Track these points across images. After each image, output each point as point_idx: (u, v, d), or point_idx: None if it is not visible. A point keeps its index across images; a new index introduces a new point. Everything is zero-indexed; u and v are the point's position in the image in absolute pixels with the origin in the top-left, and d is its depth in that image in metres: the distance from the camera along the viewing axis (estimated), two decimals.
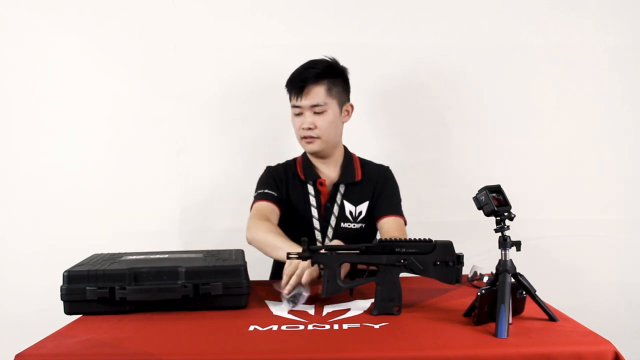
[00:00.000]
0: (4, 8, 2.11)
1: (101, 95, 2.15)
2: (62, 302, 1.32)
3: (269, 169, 1.85)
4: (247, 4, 2.15)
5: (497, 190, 1.23)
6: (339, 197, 1.77)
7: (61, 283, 1.33)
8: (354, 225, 1.78)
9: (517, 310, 1.24)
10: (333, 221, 1.77)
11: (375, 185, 1.79)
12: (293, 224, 1.77)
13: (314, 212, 1.77)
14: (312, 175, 1.79)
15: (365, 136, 2.11)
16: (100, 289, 1.31)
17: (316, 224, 1.77)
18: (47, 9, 2.11)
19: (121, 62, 2.14)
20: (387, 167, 1.86)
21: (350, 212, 1.78)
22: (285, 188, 1.79)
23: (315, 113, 1.70)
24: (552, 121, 2.18)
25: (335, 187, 1.78)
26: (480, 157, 2.19)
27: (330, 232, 1.76)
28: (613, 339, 1.07)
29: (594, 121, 2.18)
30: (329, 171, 1.81)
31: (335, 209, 1.77)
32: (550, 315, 1.22)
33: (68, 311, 1.32)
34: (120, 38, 2.13)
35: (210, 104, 2.18)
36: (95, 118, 2.16)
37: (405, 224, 1.78)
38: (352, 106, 1.80)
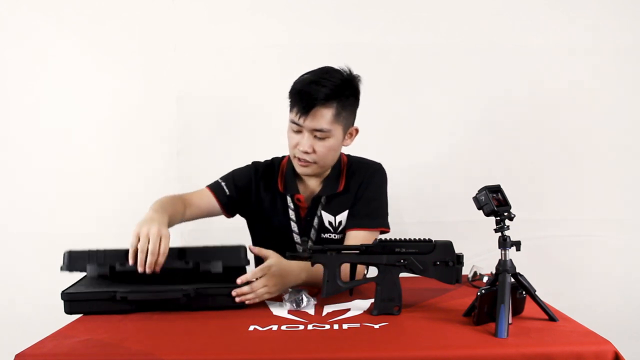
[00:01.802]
0: (4, 8, 2.12)
1: (101, 95, 2.16)
2: (62, 302, 1.32)
3: (251, 168, 1.74)
4: (247, 4, 2.15)
5: (497, 190, 1.23)
6: (319, 209, 1.66)
7: (61, 286, 1.33)
8: (335, 236, 1.66)
9: (517, 310, 1.24)
10: (313, 234, 1.66)
11: (356, 192, 1.65)
12: (274, 237, 1.69)
13: (294, 226, 1.67)
14: (292, 188, 1.67)
15: (364, 136, 2.11)
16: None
17: (297, 238, 1.67)
18: (47, 10, 2.12)
19: (121, 62, 2.15)
20: (377, 167, 1.70)
21: (330, 223, 1.66)
22: (257, 199, 1.70)
23: (316, 137, 1.54)
24: (552, 121, 2.19)
25: (316, 200, 1.66)
26: (480, 157, 2.19)
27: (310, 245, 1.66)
28: (613, 339, 1.07)
29: (594, 121, 2.19)
30: (313, 184, 1.69)
31: (315, 222, 1.66)
32: (550, 315, 1.22)
33: (68, 311, 1.32)
34: (120, 38, 2.13)
35: (210, 104, 2.18)
36: (95, 118, 2.16)
37: (386, 232, 1.63)
38: (356, 130, 1.64)
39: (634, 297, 2.20)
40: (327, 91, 1.49)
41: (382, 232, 1.64)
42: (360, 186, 1.66)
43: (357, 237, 1.59)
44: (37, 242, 2.14)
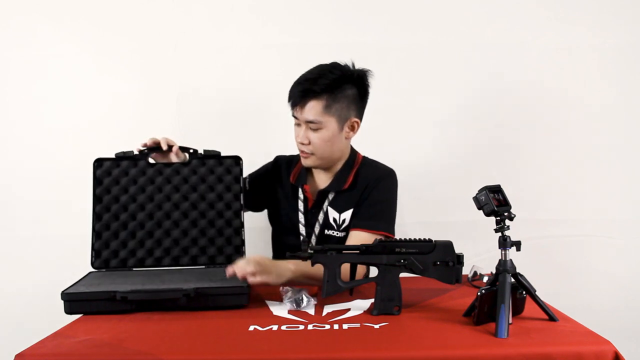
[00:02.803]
0: (5, 7, 2.12)
1: (101, 95, 2.15)
2: (62, 302, 1.32)
3: (271, 161, 1.87)
4: (248, 4, 2.15)
5: (497, 190, 1.24)
6: (325, 204, 1.70)
7: (62, 288, 1.33)
8: (338, 234, 1.69)
9: (517, 310, 1.24)
10: (317, 228, 1.69)
11: (362, 191, 1.68)
12: (282, 227, 1.76)
13: (301, 217, 1.72)
14: (302, 180, 1.74)
15: (365, 136, 2.11)
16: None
17: (302, 229, 1.71)
18: (47, 11, 2.12)
19: (121, 62, 2.14)
20: (389, 172, 1.74)
21: (334, 219, 1.69)
22: (271, 189, 1.80)
23: (310, 128, 1.62)
24: (552, 121, 2.18)
25: (323, 194, 1.71)
26: (480, 157, 2.19)
27: (313, 239, 1.69)
28: (613, 339, 1.07)
29: (594, 121, 2.18)
30: (322, 178, 1.75)
31: (321, 216, 1.69)
32: (550, 315, 1.22)
33: (68, 311, 1.32)
34: (121, 38, 2.13)
35: (211, 104, 2.18)
36: (95, 118, 2.16)
37: (391, 238, 1.62)
38: (357, 122, 1.68)
39: (634, 297, 2.19)
40: (315, 84, 1.58)
41: (386, 238, 1.62)
42: (367, 187, 1.68)
43: (358, 238, 1.60)
44: (37, 242, 2.14)
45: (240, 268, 1.37)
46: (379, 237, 1.59)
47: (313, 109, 1.59)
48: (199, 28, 2.15)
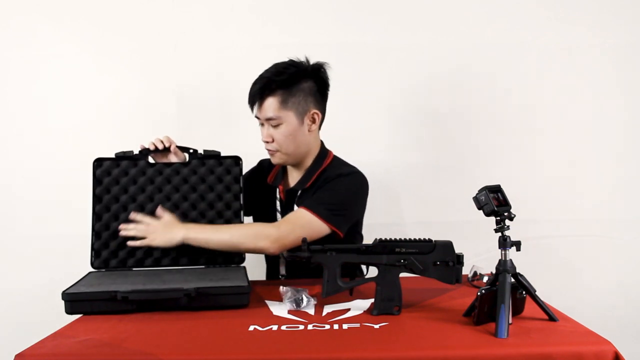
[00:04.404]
0: (5, 7, 2.12)
1: (101, 95, 2.16)
2: (62, 302, 1.32)
3: (256, 166, 1.88)
4: (247, 4, 2.15)
5: (497, 190, 1.24)
6: (294, 203, 1.71)
7: (63, 286, 1.33)
8: None
9: (517, 310, 1.24)
10: None
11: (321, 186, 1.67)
12: None
13: (279, 218, 1.74)
14: (278, 180, 1.77)
15: (365, 136, 2.12)
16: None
17: None
18: (47, 11, 2.12)
19: (121, 62, 2.15)
20: (353, 171, 1.68)
21: None
22: (256, 193, 1.79)
23: (271, 126, 1.64)
24: (552, 121, 2.18)
25: (293, 193, 1.72)
26: (480, 157, 2.19)
27: None
28: (613, 339, 1.07)
29: (594, 121, 2.18)
30: (294, 177, 1.76)
31: None
32: (550, 315, 1.22)
33: (69, 311, 1.32)
34: (121, 38, 2.13)
35: (211, 104, 2.18)
36: (95, 118, 2.16)
37: (340, 236, 1.58)
38: (317, 114, 1.66)
39: (634, 297, 2.20)
40: (270, 82, 1.60)
41: (332, 231, 1.58)
42: (325, 181, 1.66)
43: (294, 214, 1.59)
44: (37, 242, 2.14)
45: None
46: (318, 221, 1.54)
47: (270, 105, 1.61)
48: (199, 28, 2.15)
